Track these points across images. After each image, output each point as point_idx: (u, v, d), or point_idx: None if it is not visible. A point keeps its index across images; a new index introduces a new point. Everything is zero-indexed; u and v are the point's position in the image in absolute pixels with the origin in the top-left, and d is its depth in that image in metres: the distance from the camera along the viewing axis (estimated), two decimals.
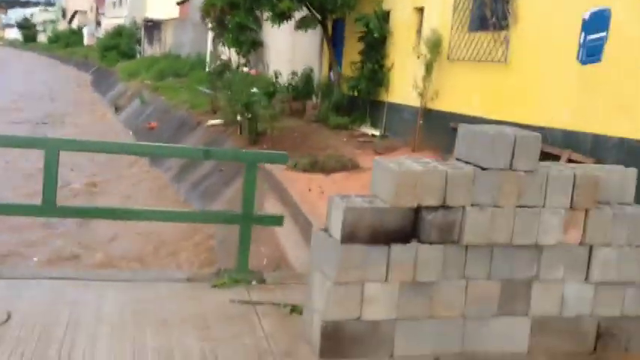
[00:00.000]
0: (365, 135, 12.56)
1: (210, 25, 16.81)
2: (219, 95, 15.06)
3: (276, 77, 14.88)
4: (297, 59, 15.18)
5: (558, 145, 7.71)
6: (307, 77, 14.71)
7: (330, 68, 14.16)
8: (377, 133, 12.45)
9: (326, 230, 3.86)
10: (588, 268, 4.06)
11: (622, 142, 6.97)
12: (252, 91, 11.76)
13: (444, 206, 3.70)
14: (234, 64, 18.18)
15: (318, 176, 9.63)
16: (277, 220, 5.49)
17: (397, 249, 3.70)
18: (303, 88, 14.64)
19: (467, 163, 3.82)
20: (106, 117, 23.32)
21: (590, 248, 4.04)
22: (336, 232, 3.68)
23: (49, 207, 4.94)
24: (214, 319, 4.20)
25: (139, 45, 38.89)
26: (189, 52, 27.04)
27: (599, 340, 4.16)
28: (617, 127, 7.02)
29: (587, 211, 3.95)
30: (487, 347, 4.00)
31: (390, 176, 3.67)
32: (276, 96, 13.03)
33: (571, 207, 3.90)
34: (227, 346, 3.84)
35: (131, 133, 19.64)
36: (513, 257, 3.94)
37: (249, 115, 12.04)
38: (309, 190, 8.87)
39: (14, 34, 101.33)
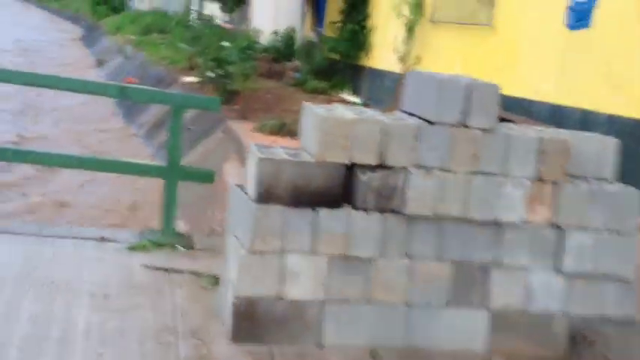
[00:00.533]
0: (344, 102, 11.89)
1: None
2: (196, 53, 14.34)
3: (257, 36, 14.13)
4: (280, 18, 14.40)
5: (545, 121, 7.09)
6: (289, 37, 13.95)
7: (313, 30, 13.46)
8: (357, 100, 11.79)
9: (242, 187, 3.24)
10: (559, 255, 3.40)
11: (611, 119, 6.37)
12: (222, 44, 11.05)
13: (383, 166, 3.06)
14: (217, 19, 17.45)
15: (284, 140, 9.01)
16: (207, 176, 4.85)
17: (325, 214, 3.08)
18: (284, 49, 13.89)
19: (411, 115, 3.18)
20: (87, 71, 22.50)
21: (562, 231, 3.38)
22: (252, 190, 3.07)
23: None
24: (116, 286, 3.60)
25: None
26: (176, 9, 26.16)
27: (571, 344, 3.48)
28: (607, 103, 6.40)
29: (556, 184, 3.32)
30: (436, 343, 3.37)
31: (317, 123, 3.04)
32: (255, 55, 12.28)
33: (537, 178, 3.29)
34: (122, 320, 3.23)
35: None
36: (468, 235, 3.29)
37: (221, 72, 11.35)
38: None
39: None
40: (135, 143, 12.80)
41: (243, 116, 10.85)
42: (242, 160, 8.47)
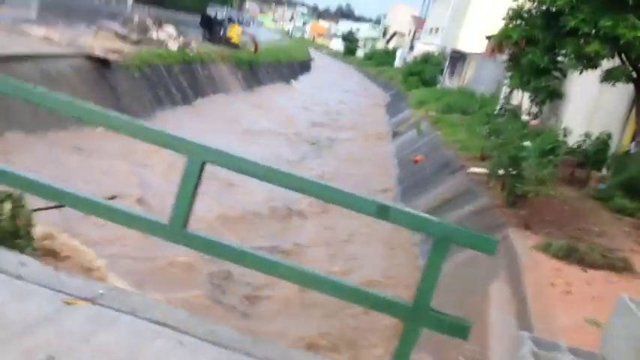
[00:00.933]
0: None
1: (503, 62, 14.94)
2: (486, 136, 13.16)
3: (565, 135, 12.49)
4: (597, 119, 12.59)
5: None
6: (602, 143, 12.11)
7: (634, 138, 11.46)
8: None
9: None
10: None
11: None
12: (522, 144, 9.75)
13: None
14: (524, 111, 16.08)
15: (572, 269, 7.33)
16: (459, 330, 3.53)
17: None
18: (593, 154, 12.07)
19: None
20: (380, 142, 22.60)
21: None
22: None
23: (175, 230, 3.66)
24: None
25: (441, 75, 38.10)
26: (484, 90, 25.29)
27: None
28: None
29: None
30: None
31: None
32: (557, 160, 10.74)
33: None
34: None
35: (396, 161, 18.53)
36: None
37: (514, 172, 10.01)
38: (552, 284, 6.69)
39: (338, 45, 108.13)
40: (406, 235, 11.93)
41: (527, 225, 9.35)
42: (513, 284, 7.03)
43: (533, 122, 13.03)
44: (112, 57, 14.33)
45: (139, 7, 45.61)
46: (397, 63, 61.98)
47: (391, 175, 16.96)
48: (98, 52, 14.13)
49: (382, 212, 3.71)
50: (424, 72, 40.02)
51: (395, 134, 23.92)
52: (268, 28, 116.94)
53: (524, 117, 13.74)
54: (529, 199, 9.64)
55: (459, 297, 7.22)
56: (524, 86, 14.32)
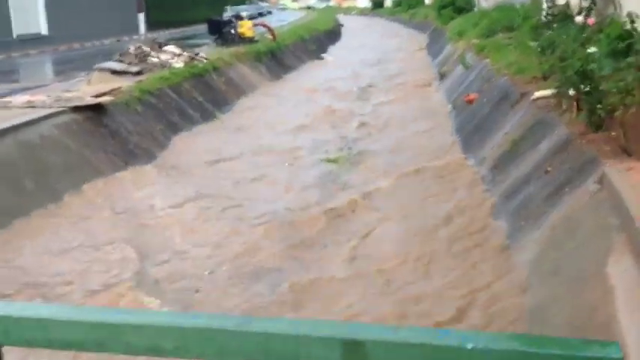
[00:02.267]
0: None
1: None
2: (538, 53, 10.93)
3: (632, 22, 10.05)
4: None
5: None
6: None
7: None
8: None
9: None
10: None
11: None
12: (588, 51, 7.59)
13: None
14: (574, 10, 13.61)
15: None
16: None
17: None
18: None
19: None
20: (427, 87, 20.41)
21: None
22: None
23: None
24: None
25: None
26: (522, 0, 22.60)
27: None
28: None
29: None
30: None
31: None
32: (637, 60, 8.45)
33: None
34: None
35: (449, 107, 16.38)
36: None
37: (587, 88, 7.87)
38: None
39: (365, 2, 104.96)
40: (476, 189, 9.90)
41: (626, 150, 7.22)
42: (635, 251, 4.97)
43: (590, 21, 10.62)
44: (103, 100, 12.81)
45: (153, 33, 44.62)
46: (427, 1, 58.85)
47: (447, 125, 14.86)
48: (87, 99, 12.64)
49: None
50: (456, 0, 37.25)
51: (442, 76, 21.64)
52: (292, 10, 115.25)
53: (578, 18, 11.31)
54: (617, 116, 7.46)
55: (565, 290, 5.23)
56: None
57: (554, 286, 5.42)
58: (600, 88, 7.26)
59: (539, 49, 10.33)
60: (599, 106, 7.63)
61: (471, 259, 7.22)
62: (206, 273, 7.56)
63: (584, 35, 8.12)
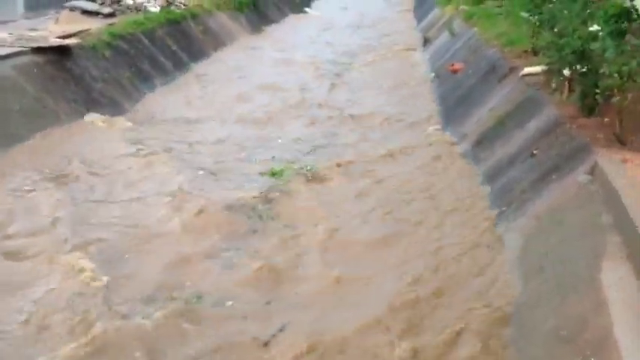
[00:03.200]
0: None
1: None
2: (537, 27, 10.37)
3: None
4: None
5: None
6: None
7: None
8: None
9: None
10: None
11: None
12: (590, 29, 7.05)
13: None
14: None
15: None
16: None
17: None
18: None
19: None
20: (410, 53, 19.73)
21: None
22: None
23: None
24: None
25: None
26: None
27: None
28: None
29: None
30: None
31: None
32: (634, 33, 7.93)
33: None
34: None
35: (432, 75, 15.79)
36: None
37: (584, 69, 7.36)
38: None
39: None
40: (459, 165, 9.40)
41: (620, 139, 6.77)
42: (637, 263, 4.44)
43: None
44: (69, 42, 12.01)
45: None
46: None
47: (429, 94, 14.28)
48: (52, 40, 11.83)
49: None
50: None
51: (426, 41, 20.97)
52: None
53: None
54: (613, 102, 6.97)
55: (551, 293, 4.77)
56: None
57: (540, 285, 4.98)
58: (601, 70, 6.72)
59: (537, 23, 9.68)
60: (596, 89, 7.13)
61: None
62: None
63: (588, 11, 7.54)
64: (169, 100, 13.06)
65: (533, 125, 8.37)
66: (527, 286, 5.24)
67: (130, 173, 8.89)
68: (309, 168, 9.25)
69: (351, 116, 12.39)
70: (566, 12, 8.08)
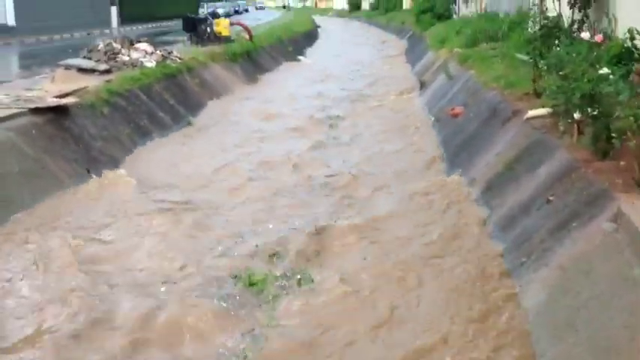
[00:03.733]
0: None
1: None
2: (544, 71, 10.31)
3: (632, 40, 9.52)
4: None
5: None
6: None
7: None
8: None
9: None
10: None
11: None
12: (600, 72, 6.97)
13: None
14: (566, 22, 13.10)
15: None
16: None
17: None
18: None
19: None
20: (406, 97, 19.73)
21: None
22: None
23: None
24: None
25: (455, 4, 34.77)
26: (507, 10, 22.10)
27: None
28: None
29: None
30: None
31: None
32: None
33: None
34: None
35: (432, 119, 15.73)
36: None
37: (595, 112, 7.25)
38: None
39: (342, 3, 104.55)
40: (471, 211, 9.19)
41: None
42: None
43: (598, 38, 9.99)
44: (67, 101, 11.91)
45: (126, 27, 43.38)
46: (405, 5, 58.54)
47: (430, 139, 14.18)
48: (49, 100, 11.73)
49: None
50: (435, 6, 36.94)
51: (422, 85, 21.01)
52: (269, 8, 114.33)
53: (585, 35, 10.69)
54: (629, 145, 6.82)
55: (587, 357, 4.52)
56: None
57: (571, 347, 4.73)
58: (616, 114, 6.59)
59: (544, 67, 9.62)
60: (608, 132, 7.00)
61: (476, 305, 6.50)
62: None
63: (595, 54, 7.49)
64: (168, 155, 12.89)
65: (545, 170, 8.22)
66: (556, 346, 5.00)
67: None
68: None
69: (351, 173, 11.98)
70: (574, 55, 8.01)
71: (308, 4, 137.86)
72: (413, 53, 30.85)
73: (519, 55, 14.66)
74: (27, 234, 8.28)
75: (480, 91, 13.80)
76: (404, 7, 58.78)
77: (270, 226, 8.99)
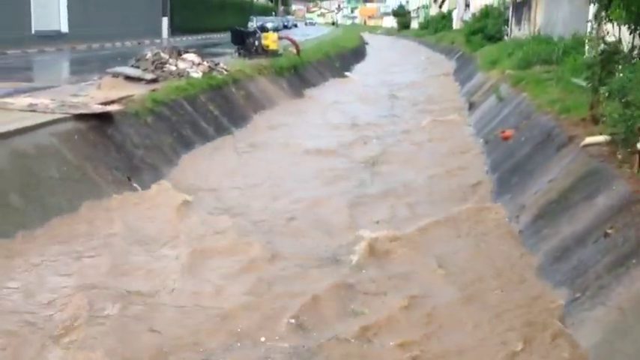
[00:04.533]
0: None
1: None
2: (603, 97, 9.84)
3: None
4: None
5: None
6: None
7: None
8: None
9: None
10: None
11: None
12: None
13: None
14: (625, 47, 12.53)
15: None
16: None
17: None
18: None
19: None
20: (454, 118, 19.28)
21: None
22: None
23: None
24: None
25: (507, 26, 34.17)
26: (562, 33, 21.51)
27: None
28: None
29: None
30: None
31: None
32: None
33: None
34: None
35: (481, 141, 15.27)
36: None
37: None
38: None
39: (391, 22, 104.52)
40: (518, 241, 8.75)
41: None
42: None
43: None
44: (111, 108, 11.84)
45: (176, 38, 43.88)
46: (455, 25, 58.03)
47: (478, 161, 13.72)
48: (93, 107, 11.68)
49: None
50: (487, 27, 36.36)
51: (471, 105, 20.57)
52: (318, 24, 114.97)
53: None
54: None
55: None
56: (622, 16, 10.84)
57: None
58: None
59: (605, 93, 9.17)
60: None
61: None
62: None
63: None
64: (211, 166, 12.73)
65: (603, 201, 7.75)
66: None
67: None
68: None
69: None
70: (637, 82, 7.58)
71: (357, 21, 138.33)
72: (462, 73, 30.36)
73: (575, 80, 14.16)
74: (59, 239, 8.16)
75: (534, 114, 13.33)
76: (453, 27, 58.25)
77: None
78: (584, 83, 12.19)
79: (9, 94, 13.24)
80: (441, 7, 71.78)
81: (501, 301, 6.99)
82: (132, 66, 16.68)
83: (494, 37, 34.68)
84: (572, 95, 13.17)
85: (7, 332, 5.93)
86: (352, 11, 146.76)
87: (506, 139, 13.47)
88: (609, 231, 7.04)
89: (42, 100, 12.09)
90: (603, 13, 11.50)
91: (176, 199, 10.17)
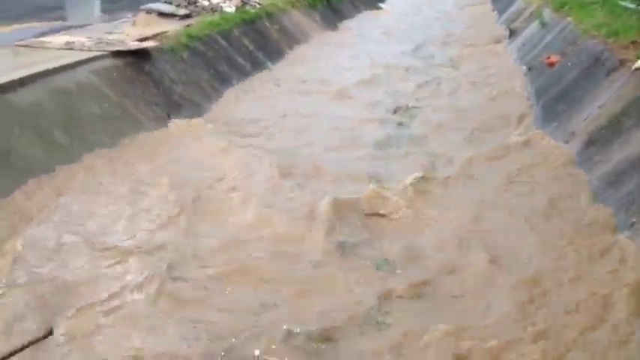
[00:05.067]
0: None
1: None
2: None
3: None
4: None
5: None
6: None
7: None
8: None
9: None
10: None
11: None
12: None
13: None
14: None
15: None
16: None
17: None
18: None
19: None
20: (494, 45, 18.71)
21: None
22: None
23: None
24: None
25: None
26: None
27: None
28: None
29: None
30: None
31: None
32: None
33: None
34: None
35: (524, 68, 14.82)
36: None
37: None
38: None
39: None
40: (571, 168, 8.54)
41: None
42: None
43: None
44: (148, 45, 11.71)
45: None
46: None
47: (522, 89, 13.36)
48: (130, 44, 11.56)
49: None
50: None
51: (511, 33, 19.91)
52: None
53: None
54: None
55: None
56: None
57: None
58: None
59: (634, 5, 8.71)
60: None
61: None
62: None
63: None
64: (249, 101, 12.60)
65: None
66: None
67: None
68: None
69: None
70: None
71: None
72: (499, 2, 29.38)
73: (623, 2, 13.58)
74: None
75: (580, 39, 12.84)
76: None
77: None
78: (632, 5, 11.68)
79: (44, 34, 13.15)
80: None
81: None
82: (165, 2, 16.42)
83: None
84: (619, 18, 12.62)
85: None
86: None
87: (551, 65, 13.02)
88: None
89: (78, 38, 11.99)
90: None
91: (219, 138, 10.15)
